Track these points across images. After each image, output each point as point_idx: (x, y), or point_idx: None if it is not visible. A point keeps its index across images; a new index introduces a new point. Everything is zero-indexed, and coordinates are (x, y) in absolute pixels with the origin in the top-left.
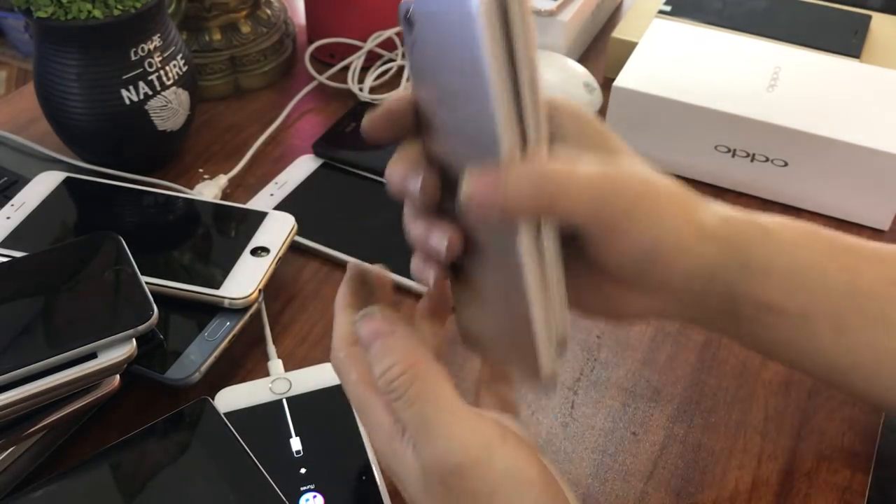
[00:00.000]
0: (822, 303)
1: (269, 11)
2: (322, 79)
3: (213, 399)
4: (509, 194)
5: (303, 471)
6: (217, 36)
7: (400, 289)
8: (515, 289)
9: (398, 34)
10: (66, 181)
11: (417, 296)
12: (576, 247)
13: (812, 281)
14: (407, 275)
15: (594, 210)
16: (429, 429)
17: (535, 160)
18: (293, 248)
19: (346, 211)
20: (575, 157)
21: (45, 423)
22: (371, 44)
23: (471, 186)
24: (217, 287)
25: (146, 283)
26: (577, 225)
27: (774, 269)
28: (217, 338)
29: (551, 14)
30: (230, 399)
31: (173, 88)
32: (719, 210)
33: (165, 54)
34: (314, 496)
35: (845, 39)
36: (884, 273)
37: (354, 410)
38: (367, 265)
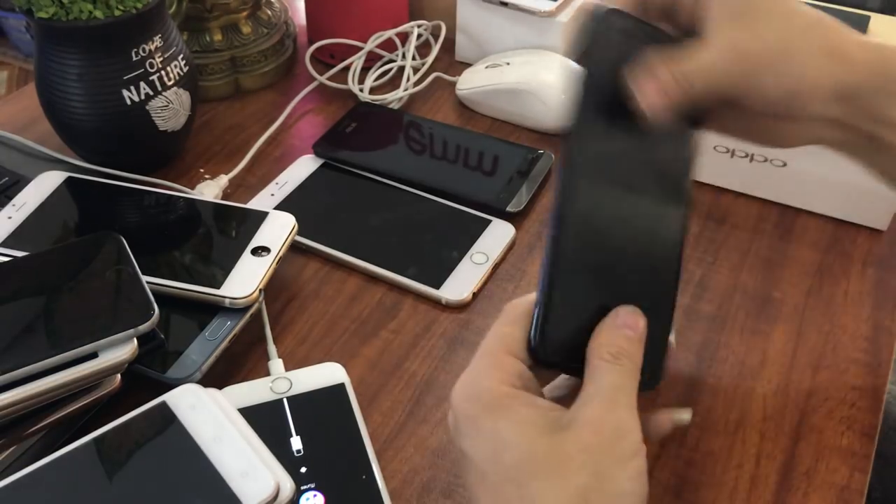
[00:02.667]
0: None
1: (269, 12)
2: (322, 79)
3: None
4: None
5: (303, 470)
6: (218, 36)
7: (398, 287)
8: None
9: (398, 35)
10: (68, 181)
11: (415, 294)
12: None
13: None
14: (403, 272)
15: (730, 82)
16: (617, 394)
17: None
18: (294, 248)
19: (347, 211)
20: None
21: (46, 423)
22: (371, 44)
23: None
24: (218, 287)
25: (147, 282)
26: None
27: None
28: (218, 337)
29: (551, 14)
30: (231, 398)
31: (174, 89)
32: (856, 37)
33: (166, 55)
34: (314, 495)
35: None
36: None
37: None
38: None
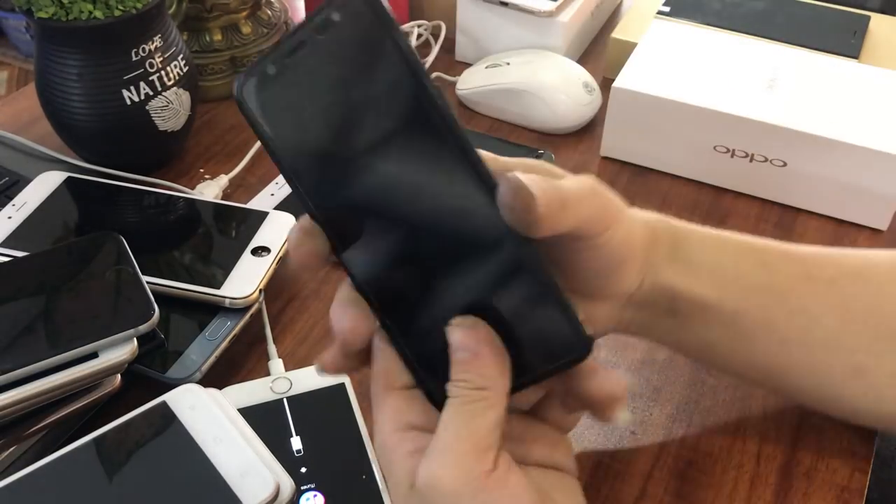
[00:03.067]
0: (747, 299)
1: (269, 12)
2: None
3: None
4: (539, 207)
5: (303, 470)
6: (218, 36)
7: None
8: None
9: None
10: (68, 181)
11: None
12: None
13: (734, 279)
14: None
15: (586, 219)
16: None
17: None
18: None
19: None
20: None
21: (46, 423)
22: None
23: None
24: (218, 287)
25: (147, 282)
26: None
27: (700, 265)
28: (218, 337)
29: (551, 14)
30: (231, 398)
31: (174, 89)
32: (647, 216)
33: (166, 55)
34: (314, 495)
35: (844, 40)
36: (796, 269)
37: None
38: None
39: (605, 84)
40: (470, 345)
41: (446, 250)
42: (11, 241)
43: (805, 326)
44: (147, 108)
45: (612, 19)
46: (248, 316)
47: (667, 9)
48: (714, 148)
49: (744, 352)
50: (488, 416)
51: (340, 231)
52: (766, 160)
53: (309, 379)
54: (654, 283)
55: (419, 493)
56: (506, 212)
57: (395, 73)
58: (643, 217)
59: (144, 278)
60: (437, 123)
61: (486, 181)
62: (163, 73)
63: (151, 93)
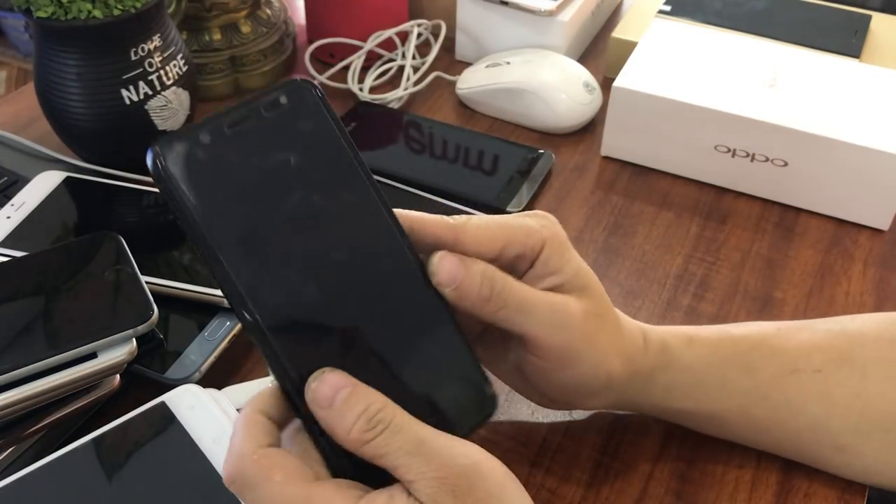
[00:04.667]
0: (727, 402)
1: (269, 11)
2: (322, 78)
3: None
4: (466, 281)
5: None
6: (217, 36)
7: None
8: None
9: (398, 34)
10: (67, 181)
11: None
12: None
13: (715, 389)
14: None
15: (547, 332)
16: (427, 443)
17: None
18: None
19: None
20: (539, 278)
21: (45, 423)
22: (371, 44)
23: (441, 267)
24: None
25: (146, 282)
26: (528, 343)
27: (681, 386)
28: (217, 337)
29: (551, 14)
30: (230, 399)
31: (173, 88)
32: (629, 338)
33: (165, 54)
34: None
35: (845, 39)
36: (783, 364)
37: None
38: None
39: (606, 83)
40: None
41: (371, 317)
42: (10, 241)
43: (787, 418)
44: (146, 107)
45: (613, 18)
46: None
47: (667, 8)
48: (715, 147)
49: (724, 434)
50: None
51: (265, 300)
52: (767, 160)
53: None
54: (629, 403)
55: None
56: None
57: (333, 155)
58: (623, 344)
59: (143, 278)
60: (372, 208)
61: (414, 258)
62: (162, 72)
63: (150, 92)
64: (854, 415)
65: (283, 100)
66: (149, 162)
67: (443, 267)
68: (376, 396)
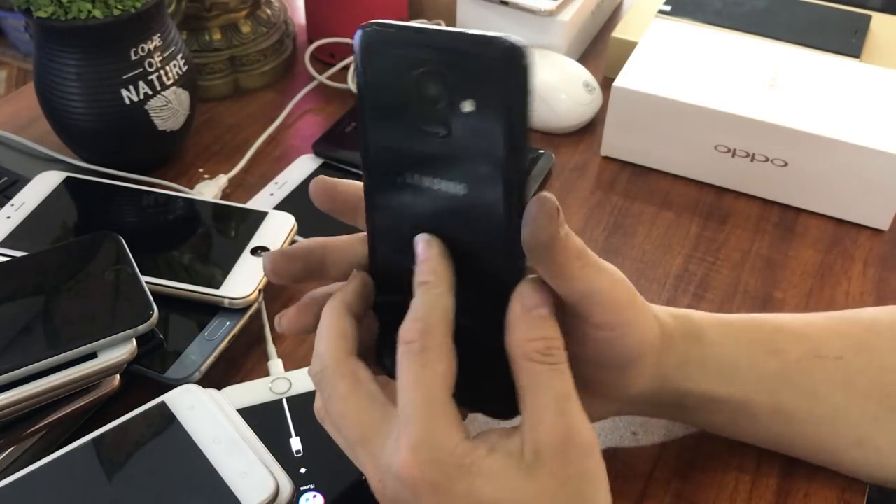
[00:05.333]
0: (756, 388)
1: (269, 11)
2: (322, 78)
3: None
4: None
5: (303, 471)
6: (217, 36)
7: None
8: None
9: None
10: (66, 181)
11: None
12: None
13: (744, 371)
14: None
15: (614, 291)
16: (571, 400)
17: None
18: None
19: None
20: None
21: (45, 423)
22: None
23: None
24: (217, 287)
25: (146, 282)
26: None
27: (712, 364)
28: (217, 338)
29: (551, 14)
30: (230, 399)
31: (173, 88)
32: (664, 315)
33: (165, 54)
34: (314, 496)
35: (845, 39)
36: (807, 348)
37: (363, 436)
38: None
39: (606, 83)
40: (546, 302)
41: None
42: (10, 241)
43: (812, 405)
44: (146, 107)
45: (613, 18)
46: (247, 316)
47: (667, 8)
48: (715, 147)
49: (749, 429)
50: (568, 379)
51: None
52: (767, 160)
53: (308, 379)
54: (663, 387)
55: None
56: (528, 221)
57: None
58: (661, 317)
59: (143, 278)
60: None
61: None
62: (162, 72)
63: (150, 92)
64: (872, 404)
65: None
66: (355, 42)
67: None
68: (560, 335)
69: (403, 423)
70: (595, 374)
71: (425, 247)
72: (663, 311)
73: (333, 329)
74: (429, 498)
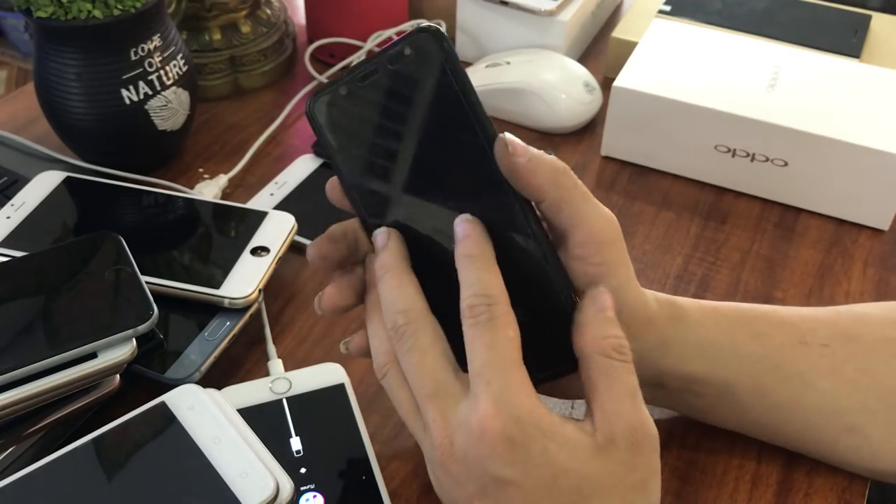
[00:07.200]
0: (739, 370)
1: (269, 11)
2: (322, 78)
3: None
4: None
5: (303, 471)
6: (217, 36)
7: None
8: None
9: (398, 34)
10: (66, 181)
11: None
12: None
13: (726, 352)
14: None
15: (604, 224)
16: (638, 396)
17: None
18: (293, 248)
19: (346, 211)
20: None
21: (45, 423)
22: (371, 44)
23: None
24: (217, 287)
25: (146, 282)
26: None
27: (693, 345)
28: (217, 337)
29: (551, 14)
30: (230, 399)
31: (173, 88)
32: (646, 294)
33: (165, 54)
34: (314, 496)
35: (845, 39)
36: (790, 334)
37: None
38: None
39: (606, 83)
40: (611, 305)
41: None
42: (10, 241)
43: (798, 391)
44: (146, 107)
45: (613, 18)
46: (247, 316)
47: (667, 8)
48: (715, 147)
49: (736, 415)
50: (634, 374)
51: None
52: (767, 160)
53: (308, 379)
54: (640, 363)
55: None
56: (497, 157)
57: (443, 98)
58: (646, 299)
59: (143, 278)
60: (490, 167)
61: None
62: (162, 72)
63: (150, 92)
64: (861, 391)
65: (407, 51)
66: (306, 111)
67: (515, 142)
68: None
69: (484, 382)
70: None
71: (469, 225)
72: (650, 294)
73: (408, 284)
74: (504, 454)
